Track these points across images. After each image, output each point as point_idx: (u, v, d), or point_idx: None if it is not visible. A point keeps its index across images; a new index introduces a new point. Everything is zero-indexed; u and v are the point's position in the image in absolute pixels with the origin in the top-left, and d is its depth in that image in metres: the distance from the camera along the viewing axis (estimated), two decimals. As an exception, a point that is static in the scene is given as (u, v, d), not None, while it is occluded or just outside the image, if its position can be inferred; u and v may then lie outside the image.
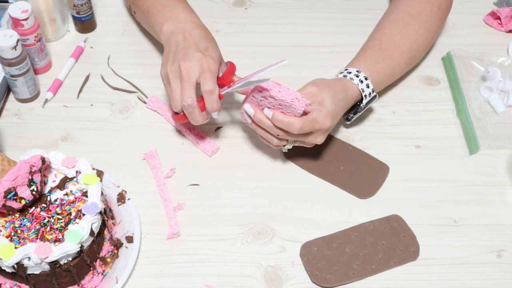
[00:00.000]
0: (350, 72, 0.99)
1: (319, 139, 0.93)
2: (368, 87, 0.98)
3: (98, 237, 0.84)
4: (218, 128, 1.05)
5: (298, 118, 0.89)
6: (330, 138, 1.03)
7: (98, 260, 0.86)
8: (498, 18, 1.20)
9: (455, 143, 1.04)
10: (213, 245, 0.92)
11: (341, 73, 1.00)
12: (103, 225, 0.86)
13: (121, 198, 0.93)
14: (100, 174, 0.88)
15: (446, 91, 1.11)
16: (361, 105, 0.99)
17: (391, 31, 1.04)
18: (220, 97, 0.94)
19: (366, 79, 0.98)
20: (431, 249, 0.92)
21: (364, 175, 0.99)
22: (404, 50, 1.04)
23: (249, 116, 0.92)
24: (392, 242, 0.91)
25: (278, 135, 0.92)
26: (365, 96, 0.98)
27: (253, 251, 0.91)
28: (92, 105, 1.08)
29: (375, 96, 1.00)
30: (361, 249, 0.90)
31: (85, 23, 1.17)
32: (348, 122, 1.02)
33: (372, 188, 0.98)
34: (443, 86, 1.12)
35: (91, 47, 1.16)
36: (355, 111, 1.00)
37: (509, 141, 1.03)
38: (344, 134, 1.04)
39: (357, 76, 0.98)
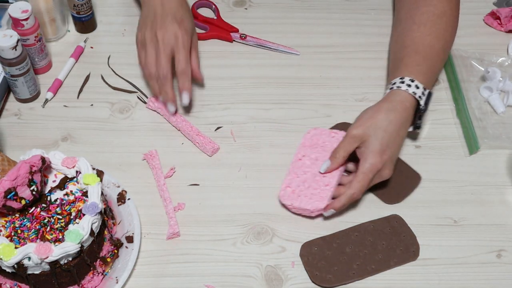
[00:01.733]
0: (394, 83, 0.96)
1: (385, 174, 0.92)
2: (418, 88, 0.95)
3: (98, 237, 0.84)
4: (218, 128, 1.05)
5: (353, 186, 0.90)
6: None
7: (98, 260, 0.86)
8: (498, 18, 1.20)
9: (455, 143, 1.04)
10: (213, 245, 0.92)
11: (388, 88, 0.98)
12: (103, 225, 0.86)
13: (121, 198, 0.93)
14: (100, 174, 0.88)
15: (446, 91, 1.11)
16: (421, 106, 0.95)
17: (421, 33, 1.02)
18: (198, 78, 0.99)
19: (412, 81, 0.95)
20: (431, 249, 0.92)
21: (394, 181, 0.97)
22: (439, 50, 1.02)
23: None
24: (392, 242, 0.91)
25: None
26: (420, 97, 0.95)
27: (253, 251, 0.91)
28: (92, 105, 1.08)
29: (430, 93, 0.97)
30: (361, 249, 0.90)
31: (85, 23, 1.17)
32: (418, 130, 0.99)
33: (400, 194, 0.96)
34: (443, 86, 1.12)
35: (91, 47, 1.16)
36: (419, 115, 0.96)
37: (509, 141, 1.03)
38: (344, 134, 1.04)
39: (403, 83, 0.95)
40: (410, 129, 0.98)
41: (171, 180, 0.98)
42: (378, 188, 0.96)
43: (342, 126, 1.02)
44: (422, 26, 1.02)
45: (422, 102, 0.95)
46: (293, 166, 0.97)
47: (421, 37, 1.01)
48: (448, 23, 1.04)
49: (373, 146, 0.91)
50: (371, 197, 0.97)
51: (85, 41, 1.16)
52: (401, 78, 0.96)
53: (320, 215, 0.94)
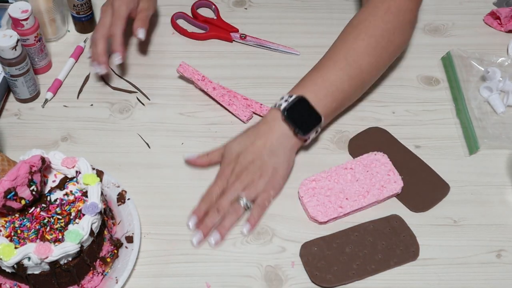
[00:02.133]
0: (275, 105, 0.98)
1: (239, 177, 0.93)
2: (282, 98, 0.96)
3: (98, 237, 0.84)
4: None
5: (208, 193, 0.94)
6: (395, 142, 1.02)
7: (98, 260, 0.86)
8: (498, 18, 1.20)
9: (455, 143, 1.04)
10: (213, 245, 0.92)
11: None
12: (103, 225, 0.86)
13: (121, 198, 0.93)
14: (100, 174, 0.88)
15: (446, 91, 1.11)
16: (283, 113, 0.94)
17: (332, 46, 1.02)
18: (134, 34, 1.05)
19: (281, 98, 0.97)
20: (431, 249, 0.92)
21: (421, 189, 0.97)
22: (337, 59, 0.99)
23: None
24: (392, 242, 0.91)
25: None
26: (280, 105, 0.95)
27: (253, 251, 0.91)
28: (92, 105, 1.08)
29: (297, 98, 0.95)
30: (361, 249, 0.90)
31: (85, 23, 1.17)
32: (305, 137, 0.96)
33: (426, 203, 0.96)
34: (443, 86, 1.12)
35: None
36: (288, 120, 0.95)
37: (509, 141, 1.03)
38: (344, 134, 1.04)
39: (280, 100, 0.97)
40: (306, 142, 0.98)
41: (171, 180, 0.98)
42: (405, 195, 0.96)
43: (375, 130, 1.04)
44: (337, 40, 1.02)
45: (281, 104, 0.95)
46: (336, 168, 0.97)
47: (328, 51, 1.02)
48: (363, 31, 1.00)
49: (225, 154, 0.97)
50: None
51: (84, 41, 1.17)
52: (281, 97, 0.98)
53: (316, 221, 0.93)
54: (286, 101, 0.96)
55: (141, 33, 1.05)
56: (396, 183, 0.96)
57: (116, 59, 1.05)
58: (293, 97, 0.96)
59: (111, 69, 1.12)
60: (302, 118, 0.95)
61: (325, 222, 0.93)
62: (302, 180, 0.96)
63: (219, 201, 0.92)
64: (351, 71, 0.99)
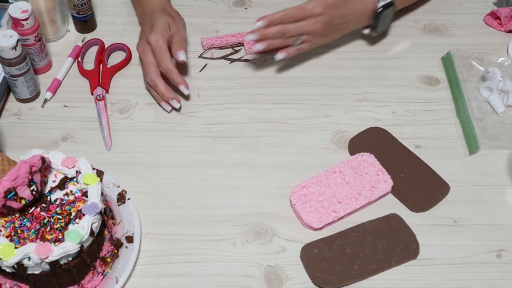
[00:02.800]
0: None
1: (315, 27, 1.03)
2: None
3: (98, 237, 0.84)
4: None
5: (286, 10, 1.02)
6: (395, 142, 1.02)
7: (98, 260, 0.86)
8: (498, 18, 1.20)
9: (455, 143, 1.04)
10: (213, 245, 0.92)
11: None
12: (103, 225, 0.86)
13: (121, 198, 0.93)
14: (100, 174, 0.88)
15: (446, 91, 1.11)
16: (378, 8, 1.06)
17: None
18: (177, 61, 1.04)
19: None
20: (431, 249, 0.92)
21: (422, 189, 0.97)
22: None
23: (255, 41, 1.03)
24: (392, 241, 0.91)
25: (277, 34, 1.03)
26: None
27: (253, 251, 0.91)
28: (92, 105, 1.08)
29: (392, 2, 1.07)
30: (362, 249, 0.90)
31: (85, 23, 1.17)
32: (374, 33, 1.11)
33: (426, 203, 0.96)
34: (443, 86, 1.12)
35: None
36: (375, 15, 1.08)
37: (509, 141, 1.03)
38: (344, 134, 1.04)
39: None
40: (366, 31, 1.12)
41: (171, 180, 0.98)
42: (405, 195, 0.96)
43: (375, 130, 1.04)
44: None
45: (379, 5, 1.07)
46: (325, 173, 0.97)
47: None
48: None
49: None
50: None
51: (82, 41, 1.16)
52: None
53: (311, 228, 0.93)
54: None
55: (182, 56, 1.03)
56: (386, 182, 0.96)
57: (184, 92, 1.04)
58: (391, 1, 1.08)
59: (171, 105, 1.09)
60: (384, 20, 1.10)
61: (320, 228, 0.93)
62: (293, 187, 0.96)
63: (289, 26, 1.03)
64: None
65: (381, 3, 1.07)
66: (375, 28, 1.11)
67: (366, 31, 1.12)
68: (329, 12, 1.03)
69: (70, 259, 0.81)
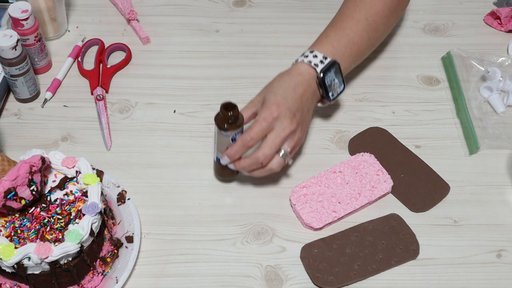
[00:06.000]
0: (304, 55, 0.97)
1: (297, 137, 0.91)
2: (316, 57, 0.95)
3: (98, 237, 0.84)
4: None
5: (245, 134, 0.89)
6: (395, 142, 1.02)
7: (98, 260, 0.86)
8: (498, 18, 1.20)
9: (455, 143, 1.04)
10: (213, 245, 0.92)
11: (295, 62, 0.98)
12: (103, 225, 0.86)
13: (121, 198, 0.93)
14: (100, 174, 0.88)
15: (446, 91, 1.11)
16: (319, 75, 0.94)
17: (344, 7, 1.04)
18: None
19: (311, 52, 0.96)
20: (431, 249, 0.92)
21: (422, 189, 0.97)
22: (359, 18, 1.01)
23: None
24: (392, 241, 0.91)
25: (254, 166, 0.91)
26: (316, 65, 0.95)
27: (253, 251, 0.91)
28: (92, 105, 1.08)
29: (333, 62, 0.95)
30: (362, 249, 0.90)
31: None
32: (329, 102, 0.98)
33: (426, 203, 0.96)
34: (443, 86, 1.12)
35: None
36: (320, 84, 0.96)
37: (509, 141, 1.03)
38: (344, 134, 1.04)
39: (307, 57, 0.96)
40: (319, 104, 0.99)
41: (171, 179, 0.98)
42: (405, 195, 0.96)
43: (375, 130, 1.04)
44: (347, 1, 1.04)
45: (318, 70, 0.95)
46: (325, 173, 0.97)
47: (342, 11, 1.03)
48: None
49: (268, 100, 0.91)
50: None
51: (82, 41, 1.16)
52: (310, 51, 0.97)
53: (311, 228, 0.93)
54: (321, 62, 0.95)
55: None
56: (386, 182, 0.96)
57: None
58: (328, 60, 0.96)
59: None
60: (332, 83, 0.97)
61: (320, 228, 0.93)
62: (293, 187, 0.96)
63: (263, 151, 0.89)
64: (371, 32, 1.02)
65: (319, 68, 0.95)
66: (329, 98, 0.97)
67: (320, 104, 1.00)
68: (286, 105, 0.90)
69: (70, 259, 0.81)
